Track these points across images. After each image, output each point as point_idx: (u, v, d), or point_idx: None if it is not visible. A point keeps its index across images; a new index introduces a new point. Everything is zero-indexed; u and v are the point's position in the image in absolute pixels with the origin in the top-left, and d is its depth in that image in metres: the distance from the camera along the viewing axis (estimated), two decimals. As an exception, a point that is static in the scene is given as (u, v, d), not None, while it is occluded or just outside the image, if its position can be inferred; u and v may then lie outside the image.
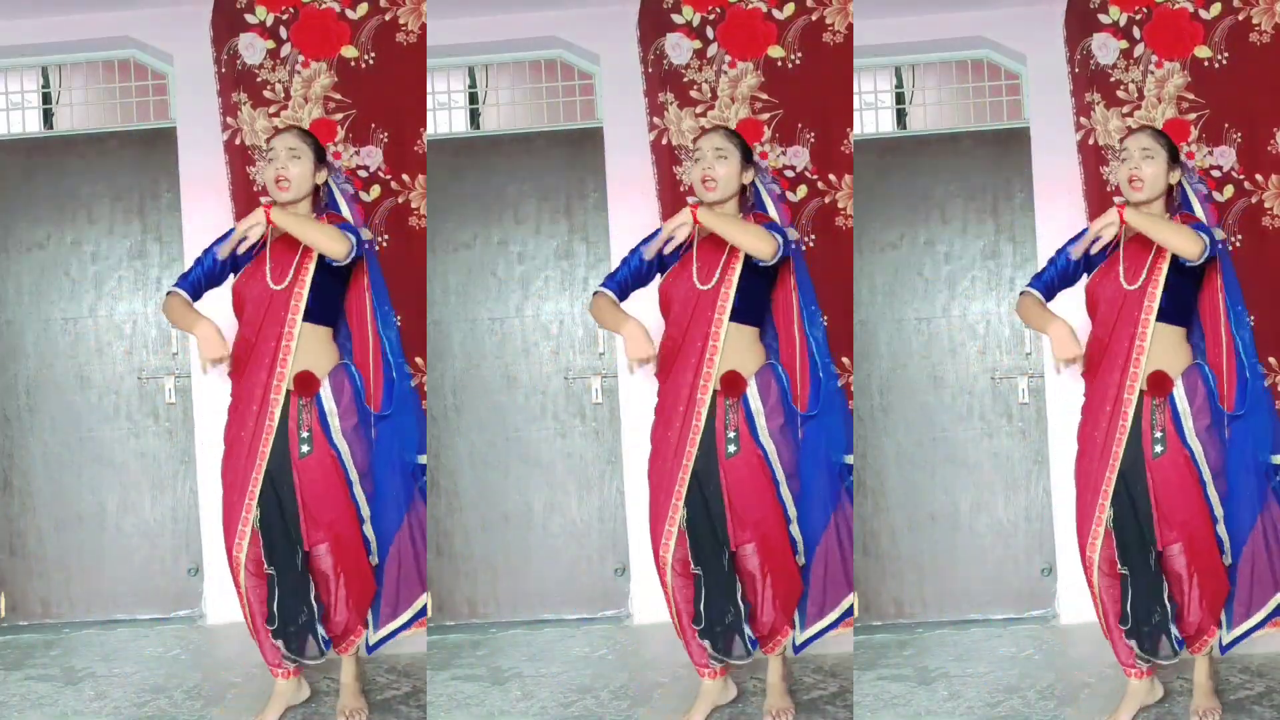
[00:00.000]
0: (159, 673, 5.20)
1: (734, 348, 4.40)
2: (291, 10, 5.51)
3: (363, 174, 5.49)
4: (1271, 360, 5.32)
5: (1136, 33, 5.38)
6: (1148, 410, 4.32)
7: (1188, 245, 4.23)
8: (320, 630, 4.49)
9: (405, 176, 5.49)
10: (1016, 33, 5.65)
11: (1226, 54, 5.32)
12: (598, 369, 5.91)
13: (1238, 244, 5.33)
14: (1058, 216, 5.56)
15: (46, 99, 5.96)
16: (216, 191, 5.57)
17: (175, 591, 5.96)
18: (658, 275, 4.55)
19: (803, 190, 5.49)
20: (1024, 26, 5.61)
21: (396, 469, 4.52)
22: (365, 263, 4.51)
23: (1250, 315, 5.24)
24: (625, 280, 4.52)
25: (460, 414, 5.97)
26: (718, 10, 5.50)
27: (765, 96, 5.49)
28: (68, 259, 5.98)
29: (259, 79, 5.51)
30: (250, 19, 5.51)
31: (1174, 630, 4.40)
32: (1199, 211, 4.51)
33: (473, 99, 5.95)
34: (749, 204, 4.54)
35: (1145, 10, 5.37)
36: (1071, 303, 4.58)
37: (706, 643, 4.49)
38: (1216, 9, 5.33)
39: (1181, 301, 4.36)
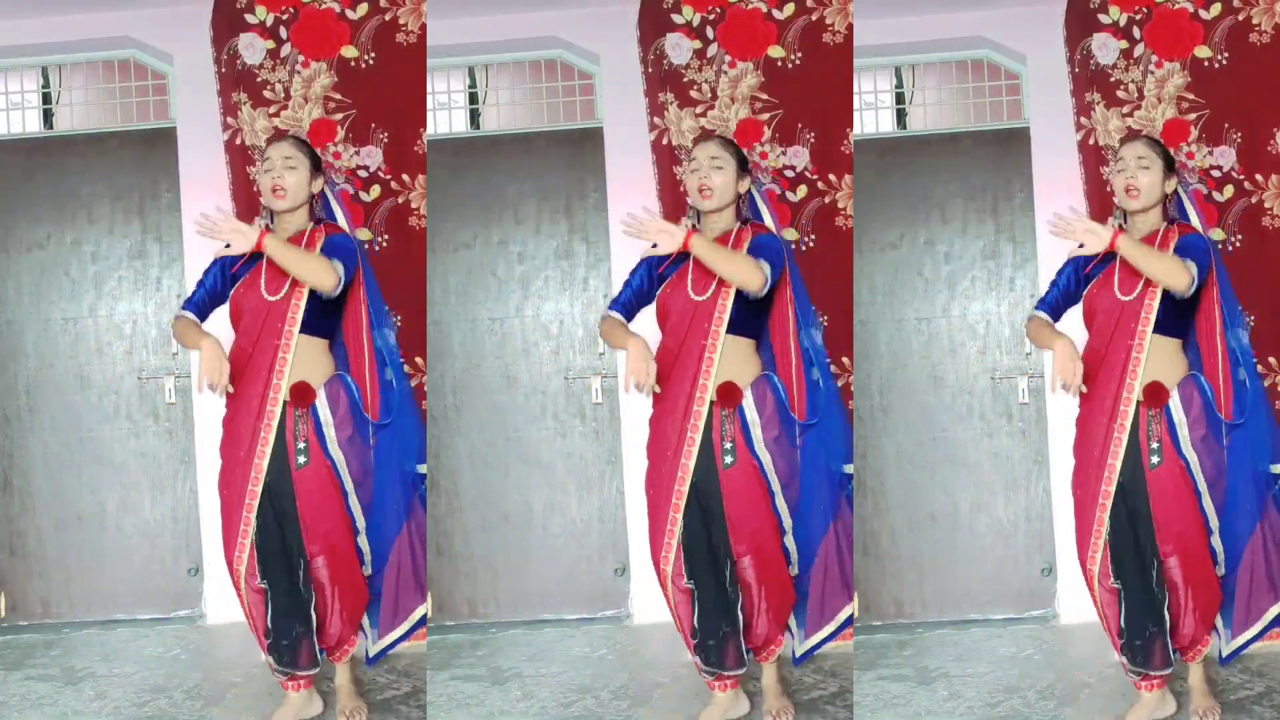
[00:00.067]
0: (159, 673, 5.20)
1: (730, 359, 4.39)
2: (291, 10, 5.51)
3: (363, 174, 5.49)
4: (1272, 360, 5.33)
5: (1136, 33, 5.38)
6: (1144, 421, 4.33)
7: (1176, 279, 4.23)
8: (315, 641, 4.50)
9: (405, 176, 5.49)
10: (1016, 33, 5.65)
11: (1226, 54, 5.32)
12: (598, 369, 5.91)
13: (1238, 244, 5.33)
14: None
15: (46, 99, 5.97)
16: (216, 191, 5.56)
17: (175, 591, 5.96)
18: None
19: (803, 190, 5.49)
20: (1024, 26, 5.61)
21: (396, 478, 4.52)
22: (361, 273, 4.51)
23: (1250, 315, 5.25)
24: (630, 300, 4.52)
25: (460, 414, 5.97)
26: (718, 10, 5.50)
27: (765, 96, 5.49)
28: (68, 259, 5.98)
29: (259, 79, 5.51)
30: (250, 19, 5.51)
31: (1169, 642, 4.40)
32: (1195, 220, 4.50)
33: (473, 99, 5.95)
34: (745, 212, 4.53)
35: (1145, 10, 5.37)
36: (1070, 314, 4.58)
37: (698, 659, 4.49)
38: (1216, 9, 5.33)
39: (1178, 313, 4.36)
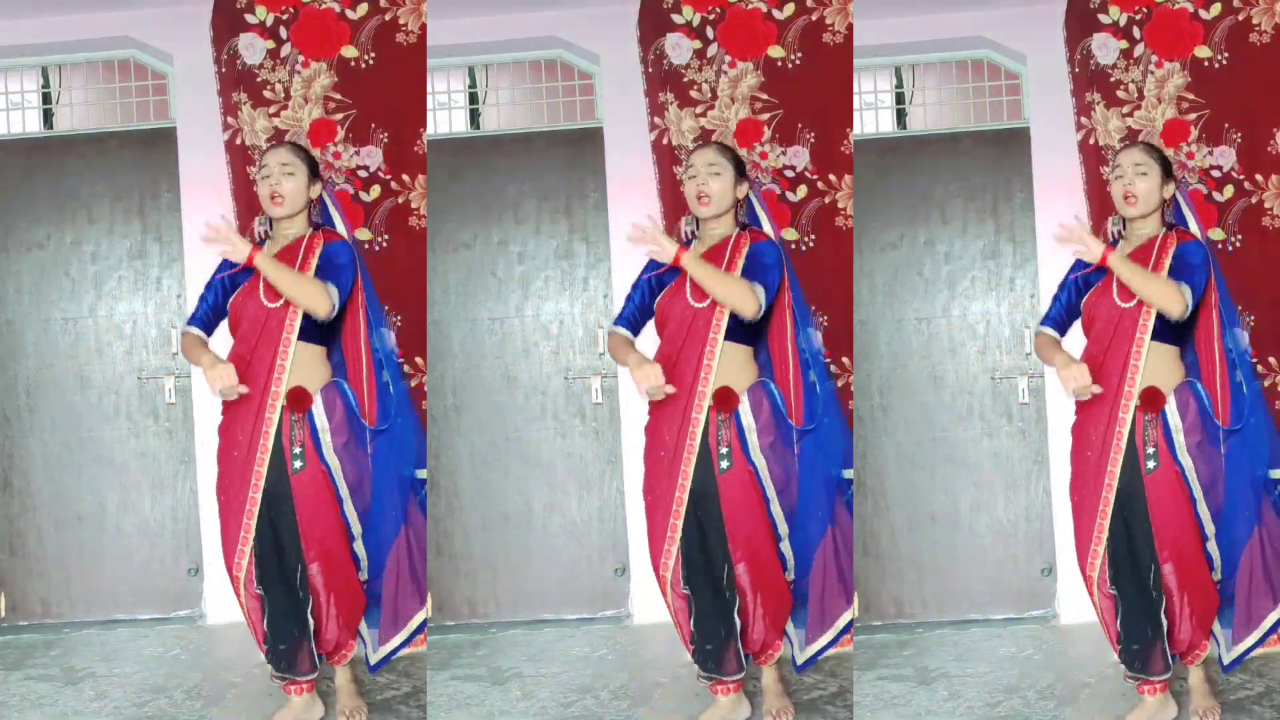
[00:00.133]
0: (159, 673, 5.20)
1: (728, 365, 4.39)
2: (291, 10, 5.51)
3: (363, 174, 5.49)
4: (1272, 360, 5.33)
5: (1136, 33, 5.38)
6: (1140, 426, 4.33)
7: (1169, 305, 4.25)
8: (313, 646, 4.50)
9: (405, 176, 5.49)
10: (1016, 33, 5.65)
11: (1226, 54, 5.32)
12: (598, 369, 5.91)
13: (1238, 244, 5.33)
14: (1058, 216, 5.55)
15: (46, 99, 5.97)
16: (216, 191, 5.57)
17: (175, 591, 5.96)
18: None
19: (803, 190, 5.49)
20: (1024, 26, 5.61)
21: (393, 483, 4.52)
22: (360, 279, 4.51)
23: (1250, 315, 5.26)
24: (633, 315, 4.53)
25: (460, 414, 5.97)
26: (718, 10, 5.50)
27: (765, 96, 5.49)
28: (68, 259, 5.98)
29: (259, 79, 5.51)
30: (250, 19, 5.51)
31: (1167, 647, 4.40)
32: (1193, 226, 4.49)
33: (473, 99, 5.95)
34: (742, 217, 4.53)
35: (1145, 10, 5.37)
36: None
37: (697, 664, 4.49)
38: (1216, 9, 5.33)
39: (1176, 320, 4.36)
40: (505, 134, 5.93)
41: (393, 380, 4.52)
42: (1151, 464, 4.32)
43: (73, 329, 5.98)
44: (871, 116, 5.88)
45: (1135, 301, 4.32)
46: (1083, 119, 5.43)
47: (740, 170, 4.47)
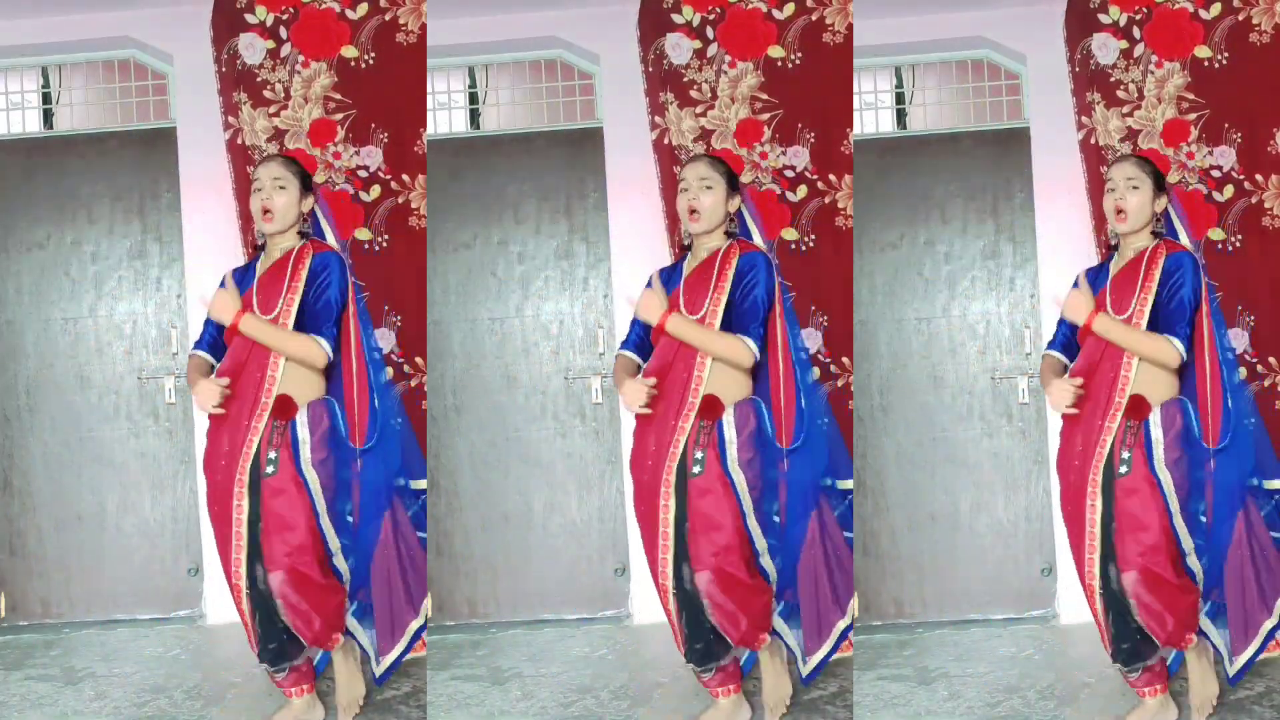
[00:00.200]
0: (159, 673, 5.21)
1: (718, 379, 4.40)
2: (291, 10, 5.51)
3: (363, 174, 5.49)
4: (1272, 360, 5.33)
5: (1136, 33, 5.38)
6: (1120, 432, 4.33)
7: (1163, 359, 4.32)
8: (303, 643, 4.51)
9: (405, 176, 5.49)
10: (1016, 33, 5.65)
11: (1226, 54, 5.32)
12: (598, 369, 5.91)
13: (1238, 244, 5.33)
14: (1058, 216, 5.57)
15: (46, 99, 5.97)
16: (216, 191, 5.57)
17: (175, 591, 5.96)
18: None
19: (803, 190, 5.49)
20: (1024, 26, 5.61)
21: (382, 499, 4.52)
22: (353, 296, 4.52)
23: (1250, 315, 5.26)
24: (639, 339, 4.57)
25: (460, 414, 5.97)
26: (718, 10, 5.50)
27: (765, 96, 5.49)
28: (68, 259, 5.98)
29: (259, 79, 5.51)
30: (250, 19, 5.51)
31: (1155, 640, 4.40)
32: (1184, 239, 4.50)
33: (473, 99, 5.95)
34: (729, 227, 4.53)
35: (1145, 10, 5.37)
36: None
37: (691, 664, 4.49)
38: (1216, 9, 5.33)
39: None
40: (505, 134, 5.93)
41: (381, 396, 4.51)
42: (1124, 469, 4.32)
43: (73, 329, 5.98)
44: (871, 116, 5.88)
45: (1127, 315, 4.33)
46: (1083, 119, 5.43)
47: (733, 184, 4.48)
